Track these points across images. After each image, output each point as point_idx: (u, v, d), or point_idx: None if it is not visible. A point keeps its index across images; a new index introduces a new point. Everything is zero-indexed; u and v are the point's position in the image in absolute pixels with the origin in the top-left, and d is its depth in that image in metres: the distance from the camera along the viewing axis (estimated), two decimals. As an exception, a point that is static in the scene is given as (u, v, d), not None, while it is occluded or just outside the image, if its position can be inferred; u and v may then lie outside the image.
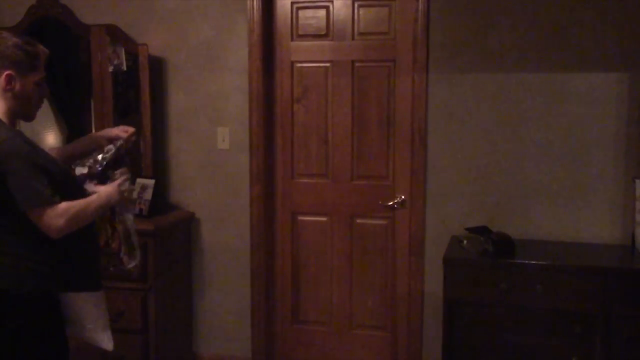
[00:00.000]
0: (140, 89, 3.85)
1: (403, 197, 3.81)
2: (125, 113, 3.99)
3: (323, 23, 3.86)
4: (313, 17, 3.87)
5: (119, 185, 2.56)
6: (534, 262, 3.12)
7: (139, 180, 3.79)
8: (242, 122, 3.91)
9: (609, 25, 3.36)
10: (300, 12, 3.89)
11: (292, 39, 3.92)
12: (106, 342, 2.59)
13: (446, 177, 3.65)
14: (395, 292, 3.89)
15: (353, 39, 3.82)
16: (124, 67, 3.89)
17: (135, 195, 3.63)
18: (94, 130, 3.89)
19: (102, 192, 2.51)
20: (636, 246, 3.27)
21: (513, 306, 3.14)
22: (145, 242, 3.51)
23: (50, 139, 4.27)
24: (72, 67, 4.18)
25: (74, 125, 4.22)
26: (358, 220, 3.93)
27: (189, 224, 4.01)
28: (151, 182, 3.81)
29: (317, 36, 3.88)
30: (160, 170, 3.98)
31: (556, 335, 3.09)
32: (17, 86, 2.36)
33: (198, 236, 4.04)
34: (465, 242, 3.37)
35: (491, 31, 3.51)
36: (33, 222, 2.29)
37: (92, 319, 2.55)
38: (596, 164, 3.44)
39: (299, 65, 3.93)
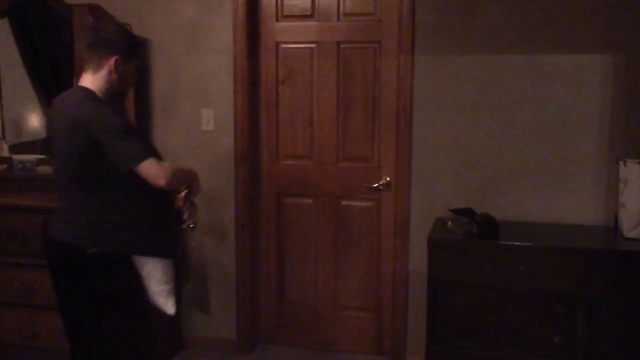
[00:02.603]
0: (124, 70, 3.80)
1: (388, 178, 3.81)
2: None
3: (308, 3, 3.83)
4: (298, -2, 3.84)
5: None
6: (517, 243, 3.13)
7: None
8: (226, 103, 3.88)
9: (595, 7, 3.35)
10: (286, -7, 3.86)
11: (277, 20, 3.89)
12: (169, 307, 2.77)
13: (431, 159, 3.65)
14: (380, 274, 3.91)
15: (338, 19, 3.80)
16: (107, 48, 3.84)
17: None
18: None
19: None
20: (619, 228, 3.29)
21: (497, 287, 3.15)
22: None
23: (34, 120, 4.23)
24: (56, 49, 4.12)
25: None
26: (343, 202, 3.94)
27: (174, 205, 3.99)
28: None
29: (302, 17, 3.85)
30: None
31: (539, 316, 3.12)
32: (122, 70, 2.64)
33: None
34: (449, 223, 3.37)
35: (477, 13, 3.49)
36: (138, 185, 2.51)
37: (160, 283, 2.72)
38: (580, 145, 3.45)
39: (284, 46, 3.90)
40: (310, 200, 4.00)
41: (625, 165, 3.20)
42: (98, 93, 2.60)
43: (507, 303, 3.15)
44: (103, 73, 2.61)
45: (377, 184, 3.83)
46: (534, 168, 3.52)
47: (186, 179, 2.80)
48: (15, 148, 4.17)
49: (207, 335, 4.10)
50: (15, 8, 3.94)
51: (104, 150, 2.47)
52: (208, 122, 3.92)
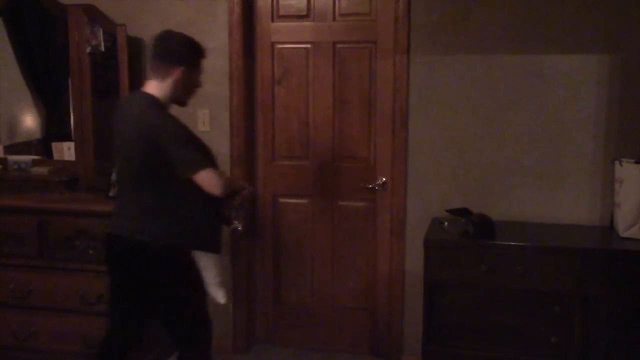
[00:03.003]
0: (119, 71, 3.79)
1: (384, 179, 3.80)
2: (104, 95, 3.94)
3: (304, 3, 3.82)
4: (294, -2, 3.84)
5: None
6: (514, 243, 3.13)
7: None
8: (222, 104, 3.87)
9: (591, 7, 3.35)
10: (281, -7, 3.85)
11: (272, 20, 3.88)
12: (220, 297, 3.05)
13: (427, 159, 3.65)
14: (377, 274, 3.90)
15: (334, 19, 3.80)
16: (102, 48, 3.83)
17: None
18: (72, 112, 3.88)
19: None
20: (614, 227, 3.29)
21: (493, 287, 3.15)
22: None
23: (29, 121, 4.23)
24: (51, 49, 4.12)
25: (52, 108, 4.18)
26: (339, 202, 3.93)
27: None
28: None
29: (297, 17, 3.84)
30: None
31: (535, 316, 3.12)
32: (187, 79, 2.82)
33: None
34: (446, 223, 3.37)
35: (472, 13, 3.50)
36: (194, 186, 2.69)
37: (212, 275, 3.01)
38: (576, 145, 3.46)
39: (280, 46, 3.89)
40: (306, 201, 3.99)
41: (621, 165, 3.21)
42: (162, 100, 2.77)
43: (503, 303, 3.15)
44: (169, 82, 2.77)
45: (373, 184, 3.83)
46: (530, 168, 3.52)
47: (235, 186, 2.98)
48: (10, 149, 4.16)
49: (203, 336, 4.09)
50: (10, 8, 3.93)
51: (166, 155, 2.63)
52: (204, 123, 3.91)
